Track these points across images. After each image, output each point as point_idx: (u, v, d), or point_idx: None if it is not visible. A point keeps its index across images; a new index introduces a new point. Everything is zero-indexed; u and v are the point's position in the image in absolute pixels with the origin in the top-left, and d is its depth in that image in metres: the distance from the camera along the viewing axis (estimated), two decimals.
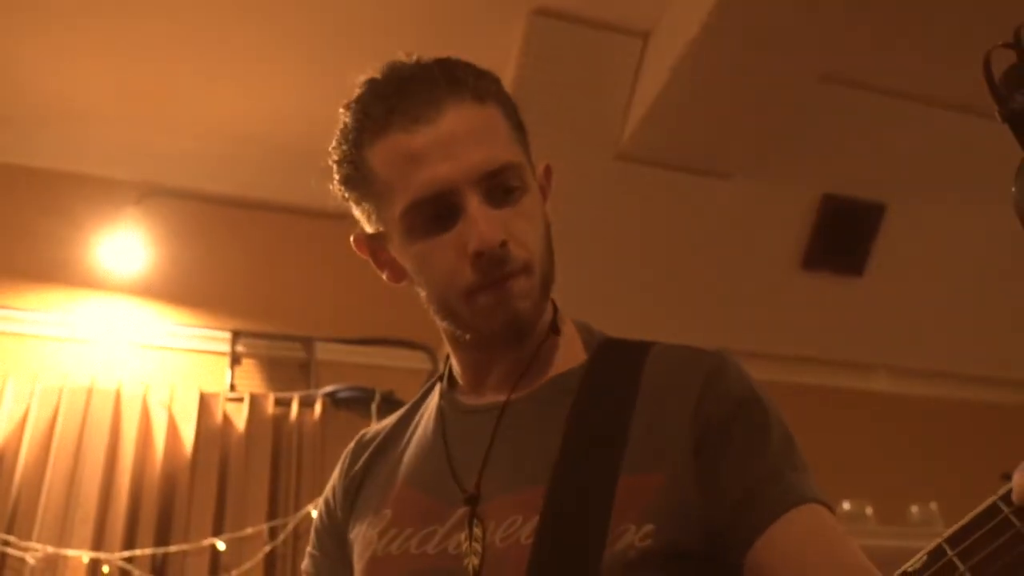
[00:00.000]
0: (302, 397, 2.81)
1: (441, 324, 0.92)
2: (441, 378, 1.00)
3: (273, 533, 2.52)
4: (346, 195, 0.93)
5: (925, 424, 3.67)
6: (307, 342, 3.03)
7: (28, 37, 2.74)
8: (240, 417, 2.71)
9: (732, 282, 3.27)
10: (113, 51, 2.81)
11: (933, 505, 3.32)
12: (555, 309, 0.94)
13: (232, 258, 3.15)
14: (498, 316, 0.85)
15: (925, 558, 0.55)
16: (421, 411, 1.01)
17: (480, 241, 0.82)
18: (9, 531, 2.34)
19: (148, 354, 2.86)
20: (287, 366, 2.97)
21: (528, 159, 0.90)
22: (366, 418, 2.77)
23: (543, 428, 0.86)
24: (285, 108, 3.09)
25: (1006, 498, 0.51)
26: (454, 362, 0.97)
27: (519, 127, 0.91)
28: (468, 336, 0.89)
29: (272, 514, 2.57)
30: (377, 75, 0.90)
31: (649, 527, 0.76)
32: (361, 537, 0.92)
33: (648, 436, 0.82)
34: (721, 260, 3.26)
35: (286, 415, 2.78)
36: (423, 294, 0.90)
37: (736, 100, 2.84)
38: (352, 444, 1.05)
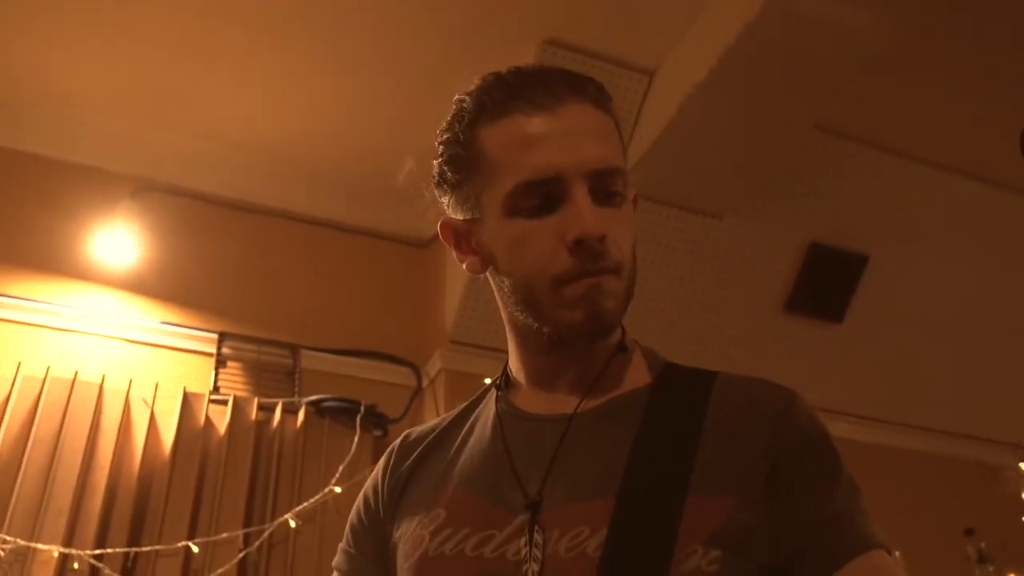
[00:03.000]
0: (286, 404, 2.79)
1: (517, 318, 0.91)
2: (498, 384, 1.00)
3: (248, 540, 2.50)
4: (447, 177, 0.93)
5: (889, 474, 3.73)
6: (293, 349, 3.02)
7: (30, 24, 2.73)
8: (222, 420, 2.69)
9: (716, 318, 3.33)
10: (117, 43, 2.82)
11: (897, 555, 3.37)
12: (623, 331, 0.95)
13: (224, 259, 3.15)
14: (583, 309, 0.85)
15: None
16: (476, 415, 1.00)
17: (582, 230, 0.83)
18: None
19: (134, 349, 2.84)
20: (272, 372, 2.96)
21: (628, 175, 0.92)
22: (350, 429, 2.77)
23: (610, 443, 0.86)
24: (287, 116, 3.11)
25: None
26: (517, 367, 0.97)
27: (624, 146, 0.93)
28: (546, 330, 0.88)
29: (248, 520, 2.54)
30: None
31: (717, 553, 0.77)
32: (409, 536, 0.91)
33: (717, 460, 0.83)
34: (707, 297, 3.31)
35: (269, 421, 2.77)
36: (507, 283, 0.90)
37: (734, 143, 2.91)
38: (397, 442, 1.04)
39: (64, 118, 3.04)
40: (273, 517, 2.55)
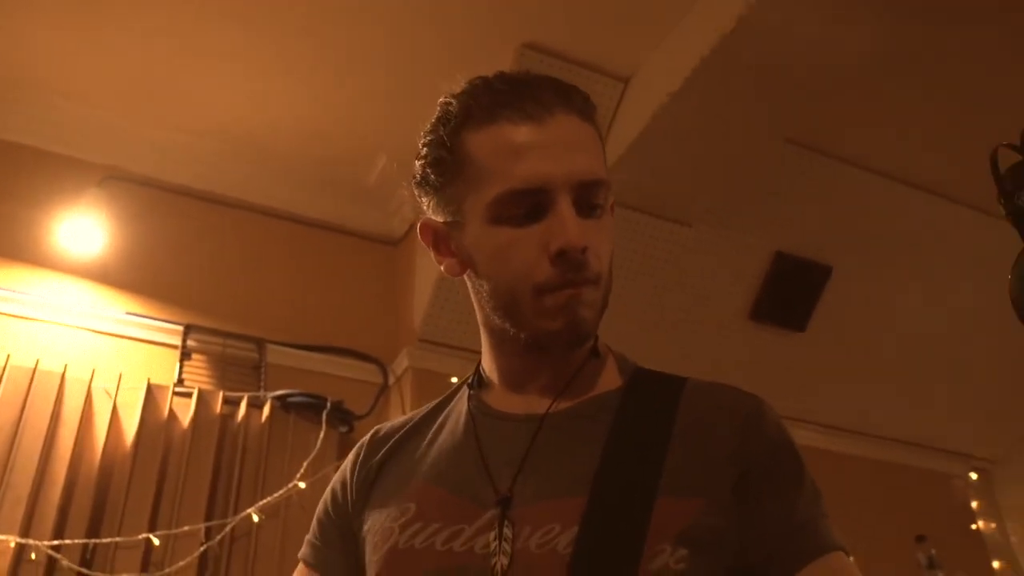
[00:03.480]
0: (251, 398, 2.77)
1: (494, 322, 0.93)
2: (471, 383, 1.01)
3: (209, 533, 2.49)
4: (429, 179, 0.94)
5: (845, 481, 3.80)
6: (260, 343, 3.00)
7: (2, 6, 2.69)
8: (186, 413, 2.66)
9: (683, 324, 3.38)
10: (90, 30, 2.78)
11: (851, 559, 3.44)
12: (596, 336, 0.97)
13: (190, 251, 3.12)
14: (562, 318, 0.87)
15: None
16: (447, 412, 1.02)
17: (566, 240, 0.84)
18: None
19: (97, 340, 2.80)
20: (238, 366, 2.94)
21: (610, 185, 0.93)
22: (316, 425, 2.76)
23: (582, 443, 0.88)
24: (260, 110, 3.09)
25: None
26: (490, 367, 0.99)
27: (604, 155, 0.94)
28: (523, 335, 0.90)
29: (210, 514, 2.52)
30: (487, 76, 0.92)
31: (684, 552, 0.79)
32: (379, 529, 0.93)
33: (686, 463, 0.85)
34: (674, 302, 3.35)
35: (233, 414, 2.75)
36: (486, 287, 0.91)
37: (706, 152, 2.95)
38: (367, 437, 1.05)
39: (31, 104, 3.00)
40: (236, 511, 2.54)
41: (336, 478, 1.05)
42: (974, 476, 4.10)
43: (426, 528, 0.89)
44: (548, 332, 0.88)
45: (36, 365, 2.55)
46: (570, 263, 0.85)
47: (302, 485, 2.62)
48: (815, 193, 3.18)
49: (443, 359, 3.08)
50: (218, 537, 2.48)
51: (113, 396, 2.61)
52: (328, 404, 2.79)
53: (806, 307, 3.53)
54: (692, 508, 0.83)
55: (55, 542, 2.31)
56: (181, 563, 2.39)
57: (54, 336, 2.74)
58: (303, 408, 2.79)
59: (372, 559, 0.93)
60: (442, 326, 3.13)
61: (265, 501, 2.56)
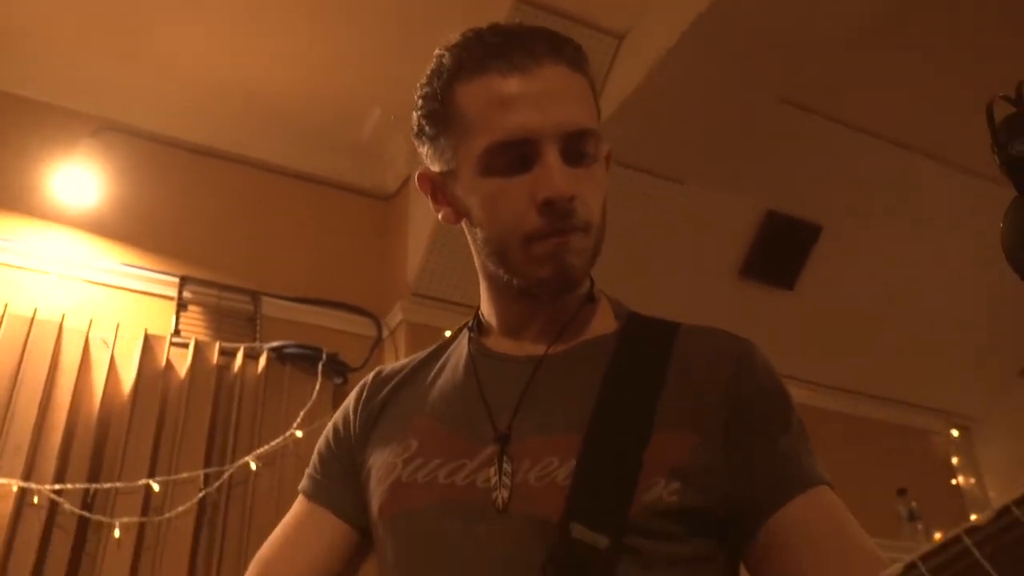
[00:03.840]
0: (247, 349, 2.81)
1: (489, 268, 0.96)
2: (470, 327, 1.04)
3: (208, 480, 2.54)
4: (425, 130, 0.96)
5: (829, 436, 3.88)
6: (255, 296, 3.03)
7: None
8: (183, 363, 2.70)
9: (673, 280, 3.42)
10: None
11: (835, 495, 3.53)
12: (592, 282, 1.00)
13: (185, 204, 3.13)
14: (550, 265, 0.89)
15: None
16: (447, 355, 1.05)
17: (552, 190, 0.86)
18: None
19: (93, 290, 2.82)
20: (233, 317, 2.97)
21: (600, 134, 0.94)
22: (311, 376, 2.81)
23: (579, 382, 0.92)
24: (256, 62, 3.08)
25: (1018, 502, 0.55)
26: (489, 312, 1.02)
27: (597, 105, 0.96)
28: (516, 282, 0.92)
29: (208, 462, 2.57)
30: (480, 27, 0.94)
31: (677, 485, 0.83)
32: (381, 464, 0.96)
33: (680, 402, 0.89)
34: (666, 259, 3.39)
35: (230, 365, 2.79)
36: (480, 235, 0.94)
37: (700, 110, 2.97)
38: (370, 376, 1.08)
39: (22, 54, 2.98)
40: (233, 459, 2.59)
41: (338, 414, 1.08)
42: (955, 433, 4.18)
43: (428, 463, 0.93)
44: (538, 279, 0.91)
45: (34, 314, 2.58)
46: (557, 212, 0.87)
47: (299, 434, 2.67)
48: (808, 153, 3.21)
49: (437, 313, 3.12)
50: (216, 484, 2.53)
51: (111, 346, 2.65)
52: (324, 356, 2.83)
53: (795, 266, 3.57)
54: (685, 445, 0.86)
55: (56, 486, 2.36)
56: (180, 508, 2.45)
57: (51, 286, 2.76)
58: (299, 359, 2.83)
59: (375, 493, 0.96)
60: (436, 281, 3.16)
61: (262, 449, 2.61)
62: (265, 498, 2.58)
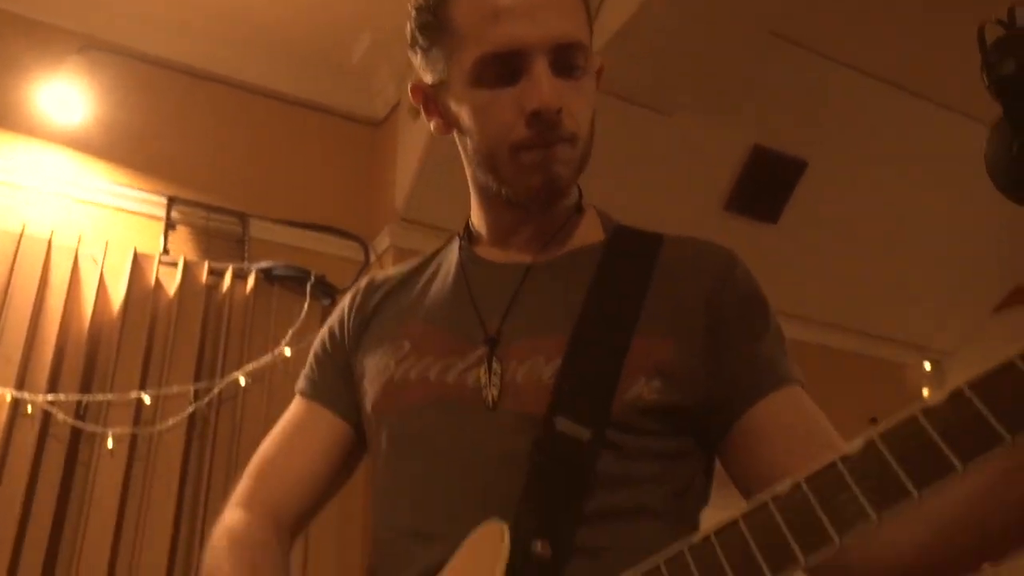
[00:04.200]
0: (236, 269, 2.84)
1: (479, 178, 0.98)
2: (461, 236, 1.07)
3: (198, 395, 2.59)
4: (418, 41, 0.98)
5: (806, 367, 3.98)
6: (243, 217, 3.05)
7: None
8: (172, 282, 2.73)
9: (658, 211, 3.44)
10: None
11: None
12: (580, 193, 1.04)
13: (172, 125, 3.12)
14: (538, 175, 0.92)
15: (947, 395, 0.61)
16: (437, 262, 1.08)
17: (540, 101, 0.88)
18: None
19: (81, 208, 2.83)
20: (220, 239, 2.99)
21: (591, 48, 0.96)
22: (300, 297, 2.84)
23: (566, 288, 0.96)
24: None
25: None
26: (479, 221, 1.05)
27: (590, 18, 0.97)
28: (505, 191, 0.95)
29: (198, 378, 2.62)
30: None
31: (657, 383, 0.88)
32: (375, 364, 1.00)
33: (663, 307, 0.93)
34: (651, 190, 3.42)
35: (218, 285, 2.82)
36: (470, 145, 0.96)
37: (690, 42, 2.95)
38: (363, 282, 1.12)
39: None
40: (223, 376, 2.64)
41: (333, 318, 1.12)
42: (928, 366, 4.30)
43: (420, 362, 0.97)
44: (525, 188, 0.94)
45: (23, 230, 2.59)
46: (544, 123, 0.89)
47: (288, 352, 2.71)
48: (796, 88, 3.21)
49: (424, 239, 3.14)
50: (206, 399, 2.59)
51: (100, 264, 2.67)
52: (312, 277, 2.86)
53: (780, 200, 3.61)
54: (666, 347, 0.91)
55: (50, 396, 2.40)
56: (170, 421, 2.51)
57: (39, 203, 2.76)
58: (287, 280, 2.86)
59: (369, 391, 1.01)
60: (424, 207, 3.18)
61: (251, 366, 2.65)
62: (254, 414, 2.63)
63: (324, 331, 1.13)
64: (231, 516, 1.01)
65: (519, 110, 0.90)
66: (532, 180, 0.93)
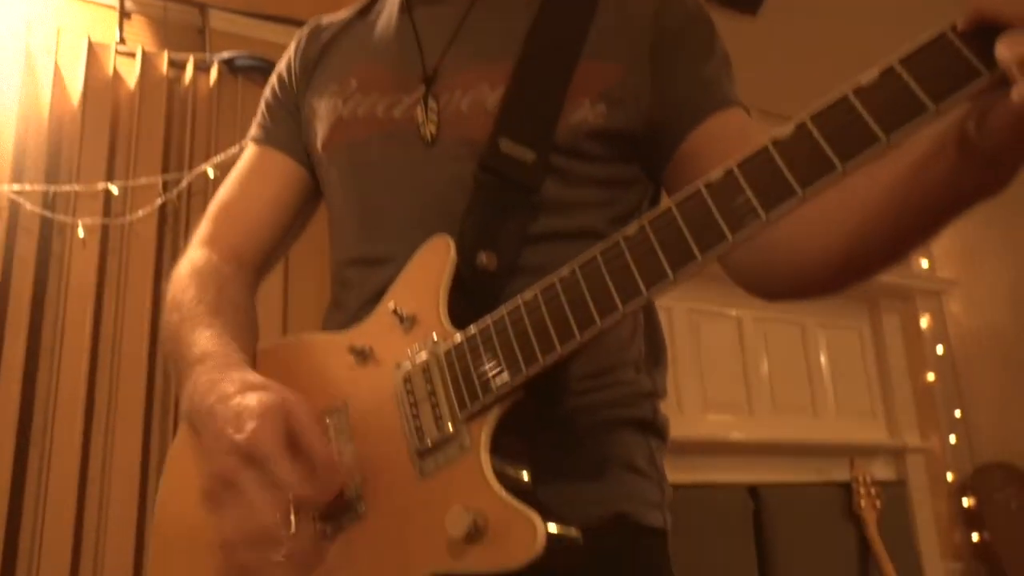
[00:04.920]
0: (197, 60, 2.74)
1: None
2: None
3: (166, 187, 2.57)
4: None
5: None
6: (202, 8, 2.90)
7: None
8: (131, 74, 2.64)
9: None
10: None
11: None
12: None
13: None
14: None
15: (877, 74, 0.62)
16: (380, 4, 1.08)
17: None
18: None
19: None
20: (180, 30, 2.86)
21: None
22: (263, 89, 2.76)
23: (512, 16, 0.95)
24: None
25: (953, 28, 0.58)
26: None
27: None
28: None
29: (166, 170, 2.59)
30: None
31: (602, 108, 0.89)
32: (324, 104, 1.01)
33: (608, 33, 0.92)
34: None
35: (179, 78, 2.73)
36: None
37: None
38: (307, 26, 1.11)
39: None
40: (191, 169, 2.61)
41: (280, 64, 1.12)
42: None
43: (367, 99, 0.98)
44: None
45: None
46: None
47: None
48: None
49: None
50: (176, 191, 2.57)
51: (53, 54, 2.56)
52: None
53: None
54: (612, 71, 0.91)
55: (15, 186, 2.38)
56: (141, 212, 2.50)
57: None
58: (251, 71, 2.77)
59: (319, 130, 1.02)
60: None
61: (219, 157, 2.62)
62: None
63: (272, 78, 1.13)
64: (194, 253, 1.04)
65: None
66: None
